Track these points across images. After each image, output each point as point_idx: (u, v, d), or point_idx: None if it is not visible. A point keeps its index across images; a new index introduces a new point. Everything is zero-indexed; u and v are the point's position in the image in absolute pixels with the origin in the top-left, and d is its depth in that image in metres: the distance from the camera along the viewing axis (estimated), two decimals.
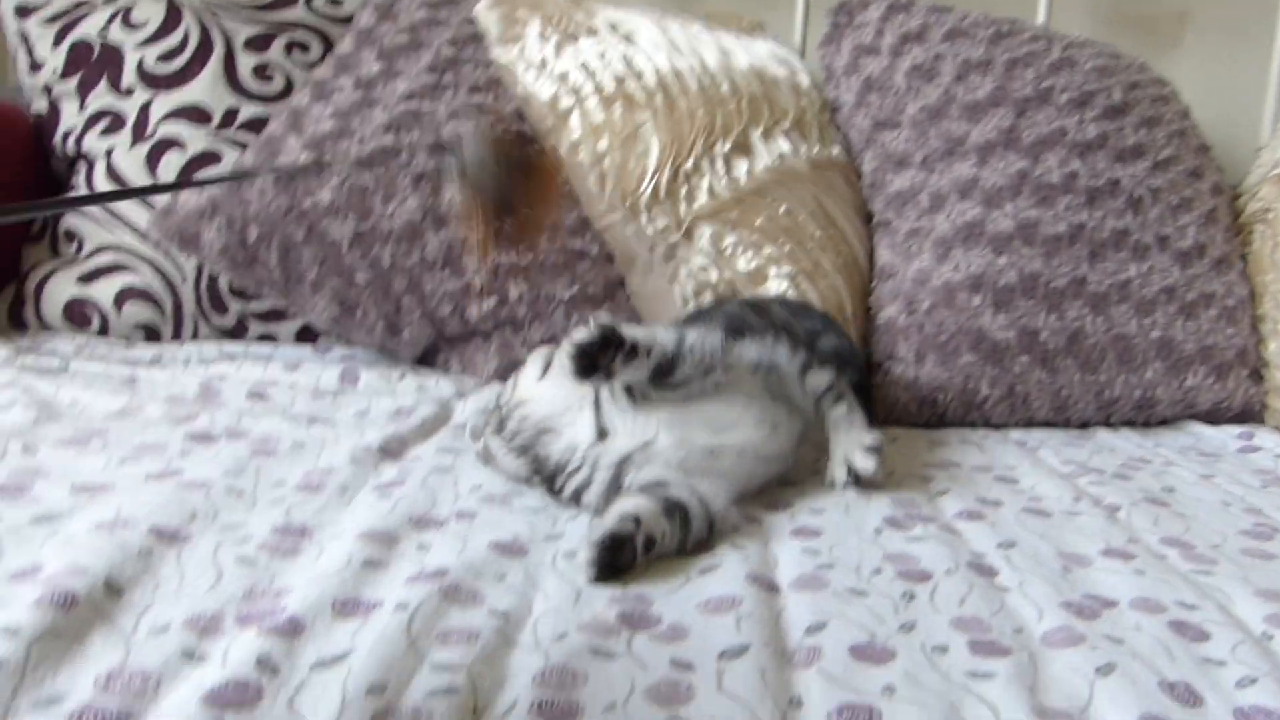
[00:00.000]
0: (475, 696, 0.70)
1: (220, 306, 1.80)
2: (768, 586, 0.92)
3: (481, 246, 1.08)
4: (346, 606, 0.82)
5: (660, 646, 0.79)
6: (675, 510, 1.01)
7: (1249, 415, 1.81)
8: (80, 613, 0.75)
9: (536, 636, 0.80)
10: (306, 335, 1.85)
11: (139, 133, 1.84)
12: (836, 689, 0.74)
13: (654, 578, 0.93)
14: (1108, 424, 1.78)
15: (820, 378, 1.23)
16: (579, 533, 1.04)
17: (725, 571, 0.95)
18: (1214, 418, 1.80)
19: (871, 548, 1.04)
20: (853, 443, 1.22)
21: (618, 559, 0.92)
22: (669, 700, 0.71)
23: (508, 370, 1.71)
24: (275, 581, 0.86)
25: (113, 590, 0.80)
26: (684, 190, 1.75)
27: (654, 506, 1.00)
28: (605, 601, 0.87)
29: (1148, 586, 0.96)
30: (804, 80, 2.01)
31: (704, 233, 1.73)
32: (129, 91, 1.86)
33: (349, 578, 0.86)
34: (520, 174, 1.08)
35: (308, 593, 0.82)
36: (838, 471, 1.22)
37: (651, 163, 1.74)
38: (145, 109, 1.85)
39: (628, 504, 1.00)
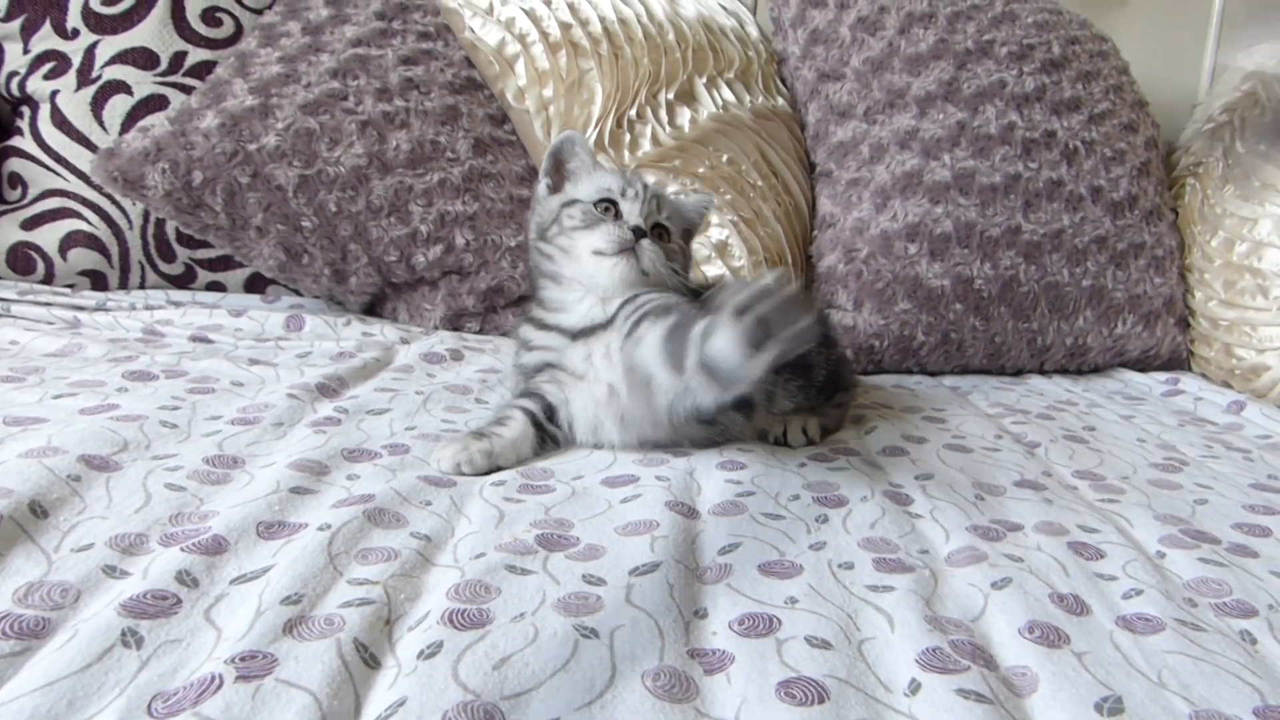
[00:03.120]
0: (389, 608, 0.73)
1: (168, 254, 1.80)
2: (687, 512, 0.95)
3: None
4: (271, 528, 0.83)
5: (574, 565, 0.82)
6: None
7: (1176, 362, 1.87)
8: (2, 531, 0.76)
9: (456, 556, 0.82)
10: (256, 285, 1.85)
11: (84, 76, 1.82)
12: (741, 600, 0.77)
13: (576, 506, 0.96)
14: (1041, 371, 1.82)
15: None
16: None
17: (646, 499, 0.97)
18: (1144, 365, 1.85)
19: (793, 477, 1.07)
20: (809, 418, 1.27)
21: None
22: (577, 611, 0.73)
23: (455, 318, 1.73)
24: (203, 506, 0.87)
25: (37, 512, 0.81)
26: (627, 138, 1.77)
27: None
28: (526, 525, 0.89)
29: (1054, 513, 1.00)
30: (752, 31, 2.02)
31: (647, 180, 1.75)
32: (74, 34, 1.84)
33: (275, 502, 0.88)
34: None
35: (233, 515, 0.84)
36: (796, 436, 1.25)
37: (596, 110, 1.76)
38: (90, 51, 1.83)
39: None
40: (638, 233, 1.15)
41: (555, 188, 1.27)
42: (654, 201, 1.21)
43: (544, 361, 1.19)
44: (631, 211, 1.18)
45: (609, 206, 1.19)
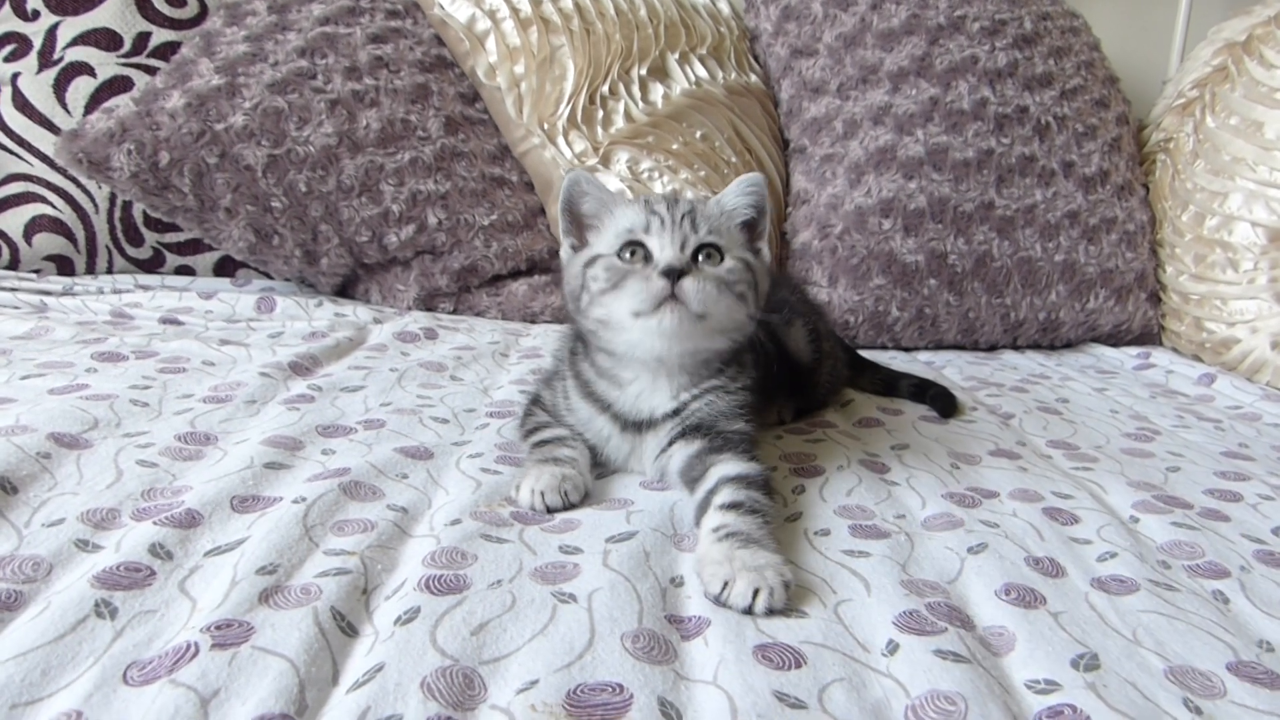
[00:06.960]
0: (366, 578, 0.72)
1: (135, 238, 1.77)
2: (664, 490, 0.95)
3: None
4: (245, 502, 0.83)
5: (551, 536, 0.81)
6: None
7: (1148, 337, 1.88)
8: None
9: (432, 525, 0.82)
10: (226, 269, 1.83)
11: (46, 58, 1.79)
12: None
13: None
14: (1014, 346, 1.83)
15: None
16: (487, 439, 1.06)
17: (620, 479, 0.98)
18: (1115, 339, 1.87)
19: (770, 449, 1.07)
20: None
21: None
22: (554, 579, 0.73)
23: (428, 299, 1.72)
24: (175, 481, 0.86)
25: (6, 488, 0.80)
26: (600, 115, 1.76)
27: None
28: (500, 500, 0.89)
29: (1029, 480, 1.01)
30: (724, 7, 2.02)
31: (620, 157, 1.74)
32: (34, 15, 1.81)
33: (249, 477, 0.87)
34: None
35: (206, 490, 0.83)
36: (769, 416, 1.24)
37: (568, 87, 1.75)
38: (52, 33, 1.80)
39: None
40: (672, 274, 0.90)
41: (579, 245, 1.02)
42: (689, 220, 0.96)
43: (582, 435, 1.02)
44: (663, 245, 0.94)
45: (636, 249, 0.94)
